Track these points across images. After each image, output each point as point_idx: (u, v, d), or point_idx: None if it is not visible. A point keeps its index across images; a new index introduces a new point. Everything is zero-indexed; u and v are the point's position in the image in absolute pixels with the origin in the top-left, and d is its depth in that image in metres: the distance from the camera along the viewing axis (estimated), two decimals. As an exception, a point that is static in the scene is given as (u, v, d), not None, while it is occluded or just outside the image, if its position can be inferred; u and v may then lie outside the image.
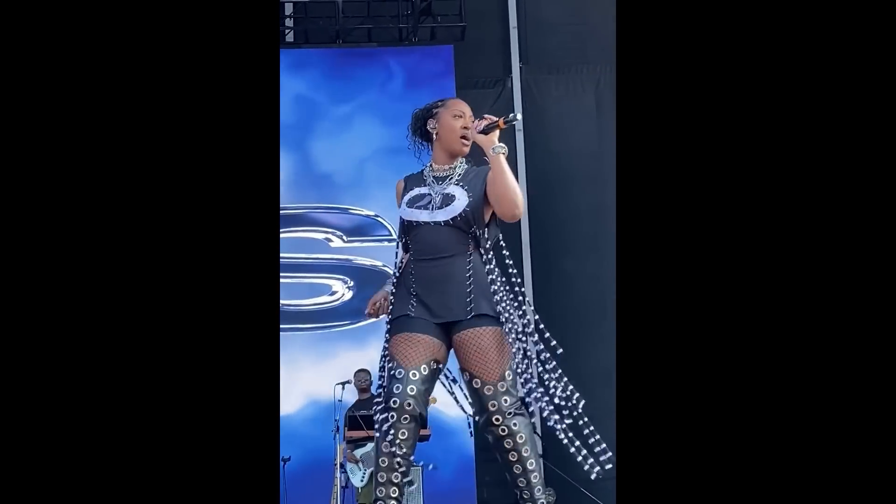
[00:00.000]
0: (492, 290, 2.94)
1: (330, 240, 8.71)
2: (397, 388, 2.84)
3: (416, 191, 3.03)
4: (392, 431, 2.83)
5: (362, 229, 8.77)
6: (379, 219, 8.76)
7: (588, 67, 8.59)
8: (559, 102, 8.66)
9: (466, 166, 3.08)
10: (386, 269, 8.62)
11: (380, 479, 2.86)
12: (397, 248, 3.11)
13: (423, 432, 5.82)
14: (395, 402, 2.83)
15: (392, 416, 2.83)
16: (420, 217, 2.97)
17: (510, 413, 2.86)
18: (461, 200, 2.95)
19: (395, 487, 2.85)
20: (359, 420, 6.07)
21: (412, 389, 2.84)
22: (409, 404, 2.83)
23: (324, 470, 6.91)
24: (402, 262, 3.07)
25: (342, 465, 6.61)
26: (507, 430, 2.85)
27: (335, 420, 6.65)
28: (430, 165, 3.10)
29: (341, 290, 8.56)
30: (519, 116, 2.96)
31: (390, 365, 2.90)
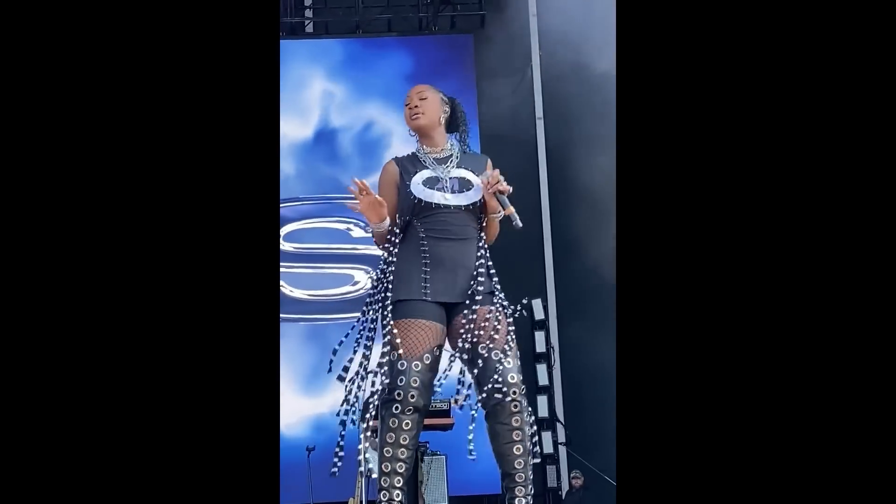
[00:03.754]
0: (491, 272, 3.01)
1: (351, 229, 8.73)
2: (401, 379, 2.83)
3: (425, 173, 3.05)
4: (395, 423, 2.84)
5: (384, 219, 8.77)
6: (400, 208, 8.76)
7: (609, 55, 8.55)
8: (579, 90, 8.64)
9: (458, 146, 3.14)
10: (408, 258, 8.62)
11: (384, 470, 2.87)
12: (397, 226, 3.03)
13: (446, 421, 5.86)
14: (399, 395, 2.83)
15: (396, 408, 2.83)
16: (439, 200, 2.99)
17: (522, 391, 2.88)
18: (477, 188, 3.02)
19: (399, 478, 2.86)
20: (381, 409, 6.09)
21: (415, 381, 2.83)
22: (413, 396, 2.82)
23: (350, 458, 6.94)
24: (397, 240, 3.01)
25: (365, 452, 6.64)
26: (518, 407, 2.86)
27: (359, 410, 6.68)
28: (422, 148, 3.15)
29: (363, 279, 8.59)
30: (520, 224, 2.96)
31: (393, 354, 2.87)
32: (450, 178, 3.03)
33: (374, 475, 6.53)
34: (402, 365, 2.84)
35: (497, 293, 2.99)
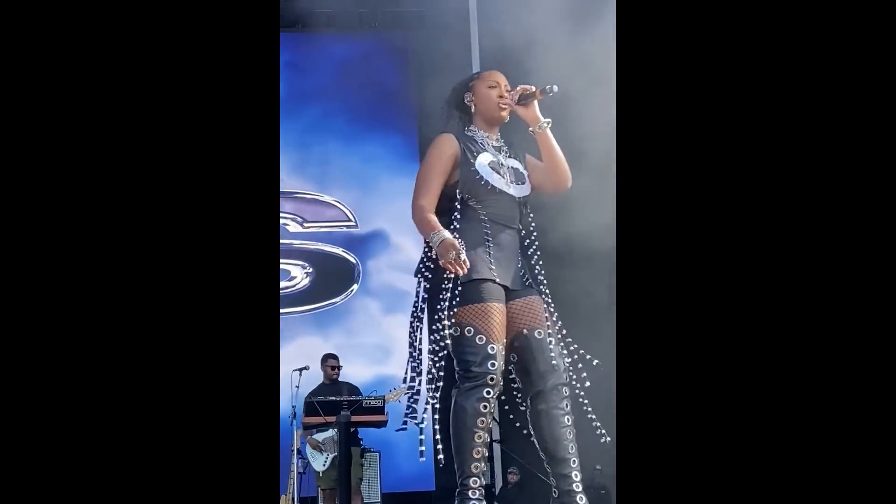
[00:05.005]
0: (540, 262, 3.03)
1: (287, 224, 8.66)
2: (492, 364, 2.78)
3: (487, 155, 3.01)
4: (486, 407, 2.78)
5: (321, 215, 8.74)
6: (338, 205, 8.74)
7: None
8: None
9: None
10: (346, 255, 8.61)
11: (474, 455, 2.77)
12: (457, 201, 2.95)
13: (380, 418, 5.84)
14: (491, 379, 2.77)
15: (487, 392, 2.77)
16: (501, 185, 2.98)
17: (570, 377, 2.92)
18: (528, 183, 3.06)
19: (483, 463, 2.82)
20: (316, 406, 6.04)
21: (497, 365, 2.79)
22: (500, 380, 2.81)
23: (281, 456, 6.90)
24: (457, 217, 2.93)
25: (300, 451, 6.59)
26: (567, 392, 2.89)
27: (292, 406, 6.62)
28: (480, 131, 3.09)
29: (300, 275, 8.53)
30: (556, 88, 2.95)
31: (479, 337, 2.80)
32: (508, 168, 3.04)
33: (319, 469, 6.49)
34: (492, 349, 2.79)
35: (541, 285, 3.00)
